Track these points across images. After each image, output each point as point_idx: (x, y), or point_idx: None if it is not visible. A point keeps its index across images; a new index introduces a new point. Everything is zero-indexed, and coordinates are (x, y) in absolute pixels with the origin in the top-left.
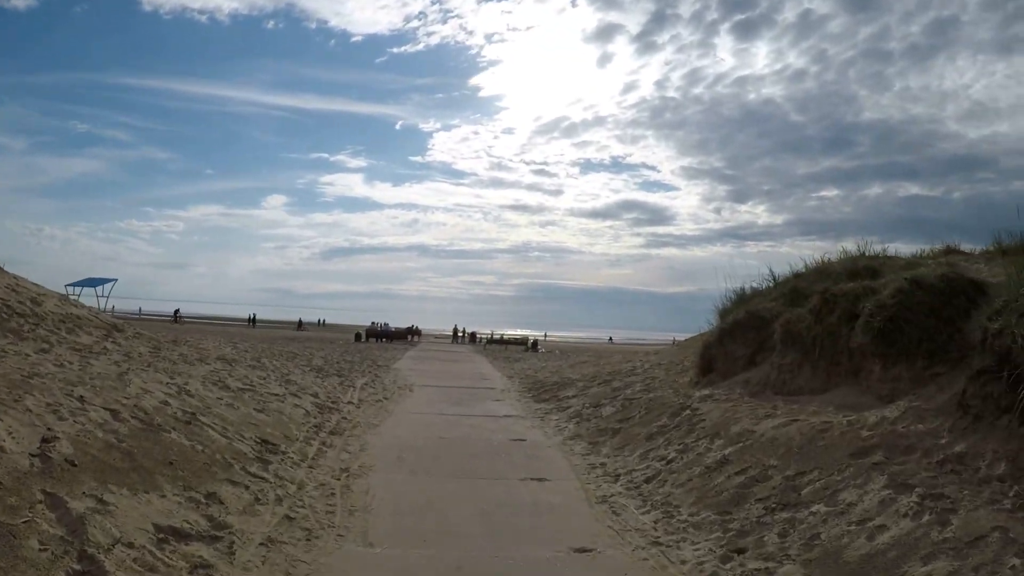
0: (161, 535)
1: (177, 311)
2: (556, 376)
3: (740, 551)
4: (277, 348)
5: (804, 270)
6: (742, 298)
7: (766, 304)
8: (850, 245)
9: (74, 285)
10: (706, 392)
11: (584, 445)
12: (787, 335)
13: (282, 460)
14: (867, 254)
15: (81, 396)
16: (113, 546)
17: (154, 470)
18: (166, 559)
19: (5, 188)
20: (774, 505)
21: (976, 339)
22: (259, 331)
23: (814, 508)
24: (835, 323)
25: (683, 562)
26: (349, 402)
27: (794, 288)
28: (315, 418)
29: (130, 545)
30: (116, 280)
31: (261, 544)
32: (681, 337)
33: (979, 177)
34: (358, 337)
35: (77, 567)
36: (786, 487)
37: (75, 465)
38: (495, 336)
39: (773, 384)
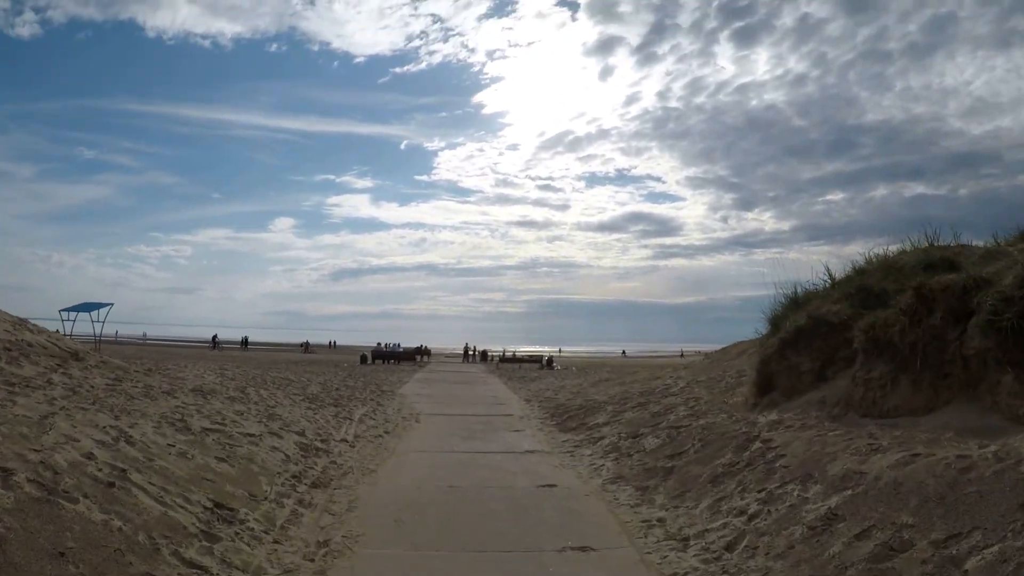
0: None
1: (215, 336)
2: (580, 398)
3: None
4: (272, 374)
5: (867, 266)
6: (796, 301)
7: (829, 307)
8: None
9: (68, 310)
10: (772, 417)
11: (631, 491)
12: (872, 343)
13: (238, 533)
14: (936, 244)
15: None
16: None
17: (29, 568)
18: None
19: (13, 215)
20: None
21: None
22: (262, 354)
23: None
24: (939, 325)
25: None
26: (343, 439)
27: (861, 287)
28: (296, 464)
29: None
30: (112, 304)
31: None
32: (692, 348)
33: (984, 173)
34: (364, 359)
35: None
36: (942, 560)
37: None
38: (507, 354)
39: (858, 404)
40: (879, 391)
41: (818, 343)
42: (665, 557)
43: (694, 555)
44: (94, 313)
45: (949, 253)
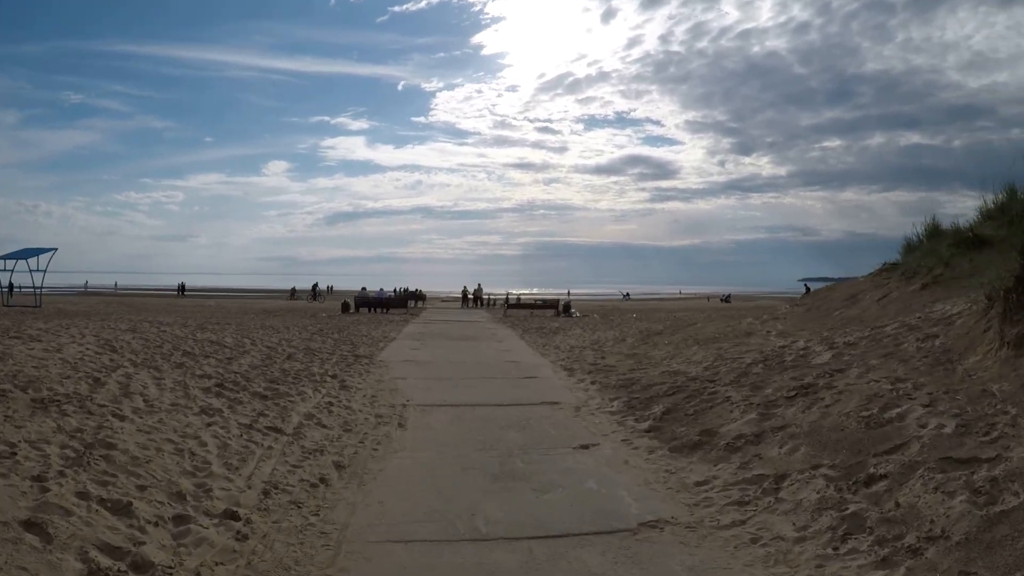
0: None
1: (315, 286)
2: (651, 367)
3: None
4: (201, 335)
5: None
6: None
7: None
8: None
9: (5, 258)
10: None
11: None
12: None
13: None
14: None
15: None
16: None
17: None
18: None
19: None
20: None
21: None
22: (239, 302)
23: None
24: None
25: None
26: (228, 510)
27: None
28: None
29: None
30: (55, 250)
31: None
32: (689, 291)
33: (979, 126)
34: (346, 307)
35: None
36: None
37: None
38: (511, 298)
39: None
40: None
41: None
42: None
43: None
44: (31, 260)
45: None
